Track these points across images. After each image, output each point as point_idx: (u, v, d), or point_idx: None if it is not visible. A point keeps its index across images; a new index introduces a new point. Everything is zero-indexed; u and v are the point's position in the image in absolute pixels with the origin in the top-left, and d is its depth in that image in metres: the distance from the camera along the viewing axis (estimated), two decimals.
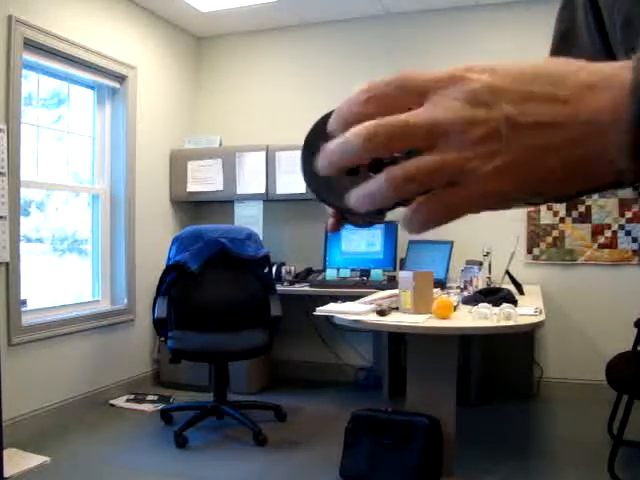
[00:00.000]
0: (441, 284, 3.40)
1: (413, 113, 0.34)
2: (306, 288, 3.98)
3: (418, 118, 0.34)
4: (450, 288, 3.41)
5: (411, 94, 0.35)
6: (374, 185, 0.34)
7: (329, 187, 0.39)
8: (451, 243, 3.70)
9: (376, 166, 0.37)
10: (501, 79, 0.34)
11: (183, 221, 4.63)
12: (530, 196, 0.37)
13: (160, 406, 3.69)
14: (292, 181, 4.16)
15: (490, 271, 3.63)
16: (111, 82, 3.99)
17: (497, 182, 0.34)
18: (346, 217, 0.43)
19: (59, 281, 3.84)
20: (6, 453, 2.59)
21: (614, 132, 0.32)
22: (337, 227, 0.44)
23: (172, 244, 3.56)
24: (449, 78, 0.34)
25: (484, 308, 2.34)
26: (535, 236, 4.05)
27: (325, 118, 0.39)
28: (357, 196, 0.35)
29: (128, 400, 3.87)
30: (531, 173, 0.34)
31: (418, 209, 0.35)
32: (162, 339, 3.41)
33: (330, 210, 0.44)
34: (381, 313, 2.39)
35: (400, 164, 0.34)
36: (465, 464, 2.72)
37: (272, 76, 4.57)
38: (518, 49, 4.03)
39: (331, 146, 0.35)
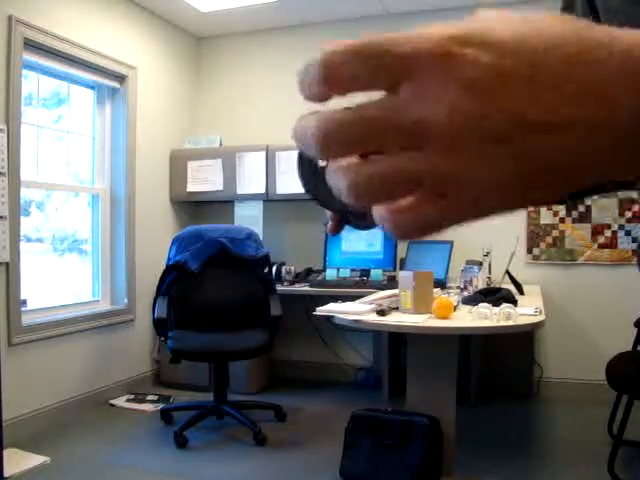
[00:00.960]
0: (441, 284, 3.40)
1: (385, 106, 0.26)
2: (306, 288, 3.98)
3: (394, 113, 0.26)
4: (450, 288, 3.41)
5: (382, 75, 0.26)
6: (341, 187, 0.28)
7: (328, 193, 0.39)
8: (451, 243, 3.70)
9: None
10: (507, 59, 0.25)
11: (183, 221, 4.63)
12: (522, 207, 0.29)
13: (160, 406, 3.69)
14: (292, 181, 4.16)
15: (490, 271, 3.63)
16: (111, 82, 3.99)
17: (497, 196, 0.27)
18: (347, 220, 0.43)
19: (59, 281, 3.84)
20: (6, 453, 2.59)
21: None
22: (337, 229, 0.44)
23: (172, 244, 3.56)
24: (438, 57, 0.25)
25: (484, 308, 2.34)
26: (535, 236, 4.05)
27: None
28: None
29: (128, 400, 3.87)
30: (533, 182, 0.27)
31: (391, 218, 0.28)
32: (162, 339, 3.41)
33: (330, 213, 0.44)
34: (381, 313, 2.39)
35: (368, 165, 0.27)
36: (465, 464, 2.72)
37: (272, 76, 4.57)
38: None
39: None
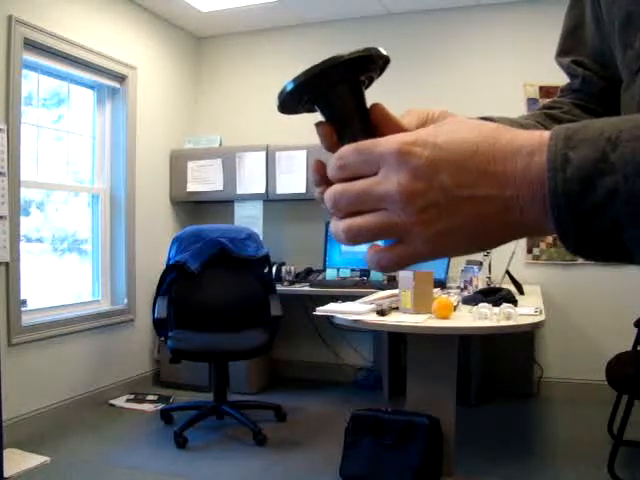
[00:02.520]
0: (441, 284, 3.40)
1: (370, 181, 0.40)
2: (306, 288, 3.98)
3: (374, 187, 0.40)
4: (450, 288, 3.41)
5: (369, 164, 0.40)
6: (337, 229, 0.42)
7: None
8: None
9: None
10: (442, 153, 0.38)
11: (183, 221, 4.63)
12: (470, 251, 0.42)
13: (160, 406, 3.69)
14: (292, 181, 4.17)
15: (490, 271, 3.63)
16: (111, 82, 3.99)
17: (437, 243, 0.40)
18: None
19: (59, 281, 3.84)
20: (6, 453, 2.59)
21: (535, 204, 0.37)
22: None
23: (172, 244, 3.56)
24: (398, 153, 0.39)
25: (484, 308, 2.34)
26: (535, 236, 4.05)
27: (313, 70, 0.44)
28: (331, 231, 0.43)
29: (128, 400, 3.87)
30: (467, 236, 0.40)
31: (375, 254, 0.42)
32: (162, 339, 3.41)
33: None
34: (381, 313, 2.39)
35: (356, 218, 0.41)
36: (465, 464, 2.72)
37: (272, 76, 4.57)
38: (518, 49, 4.04)
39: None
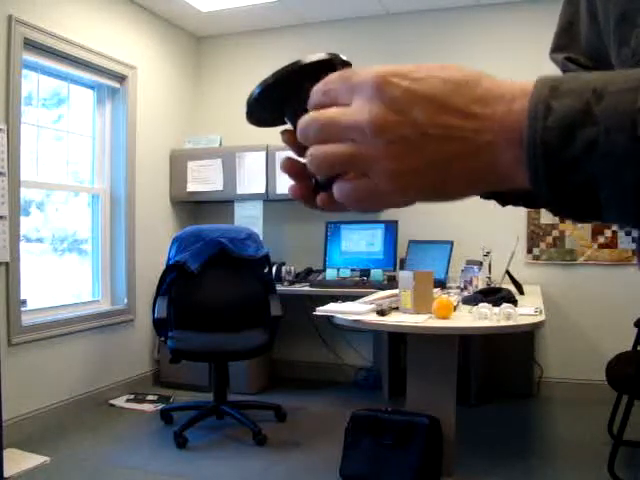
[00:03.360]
0: (441, 284, 3.40)
1: (339, 110, 0.39)
2: (306, 288, 3.98)
3: (342, 116, 0.39)
4: (450, 288, 3.41)
5: (347, 92, 0.39)
6: (307, 155, 0.41)
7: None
8: (451, 243, 3.70)
9: None
10: (421, 87, 0.37)
11: (183, 221, 4.63)
12: (434, 197, 0.40)
13: (160, 406, 3.69)
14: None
15: (490, 271, 3.63)
16: (111, 82, 3.99)
17: (400, 182, 0.38)
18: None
19: (59, 281, 3.84)
20: (6, 453, 2.59)
21: (510, 151, 0.36)
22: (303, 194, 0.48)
23: (172, 244, 3.56)
24: (376, 80, 0.37)
25: (484, 308, 2.34)
26: (535, 236, 4.05)
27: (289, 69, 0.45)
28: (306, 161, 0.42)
29: (128, 400, 3.87)
30: (433, 177, 0.38)
31: (337, 187, 0.41)
32: (162, 339, 3.41)
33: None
34: (381, 313, 2.39)
35: (322, 145, 0.40)
36: (465, 464, 2.72)
37: None
38: (518, 49, 4.04)
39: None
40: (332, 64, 0.46)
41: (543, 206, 0.37)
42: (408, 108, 0.37)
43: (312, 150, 0.40)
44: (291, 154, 0.44)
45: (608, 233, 3.91)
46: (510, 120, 0.35)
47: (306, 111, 0.43)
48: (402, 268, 3.78)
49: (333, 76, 0.41)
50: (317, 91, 0.41)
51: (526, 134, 0.35)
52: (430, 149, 0.37)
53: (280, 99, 0.46)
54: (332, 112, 0.39)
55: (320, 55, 0.45)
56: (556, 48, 0.75)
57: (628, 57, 0.55)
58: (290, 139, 0.46)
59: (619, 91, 0.33)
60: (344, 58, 0.47)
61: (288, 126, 0.48)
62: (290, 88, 0.45)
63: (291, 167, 0.45)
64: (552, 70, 0.78)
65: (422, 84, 0.37)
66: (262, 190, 4.29)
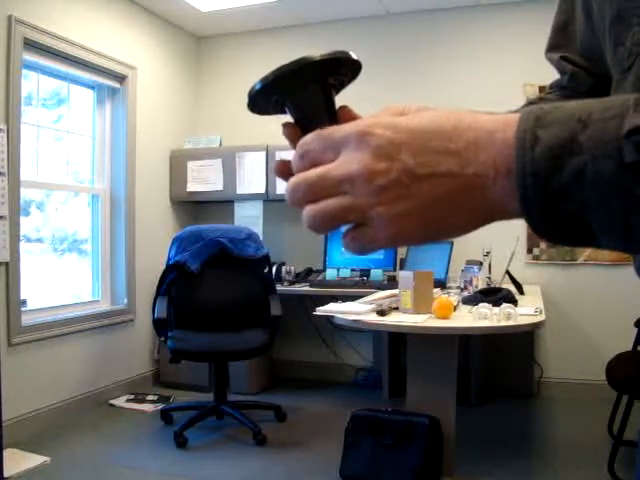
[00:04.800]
0: (441, 284, 3.40)
1: (327, 167, 0.40)
2: (306, 288, 3.98)
3: (331, 171, 0.39)
4: (450, 288, 3.41)
5: (329, 150, 0.40)
6: (304, 216, 0.41)
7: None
8: (451, 243, 3.70)
9: None
10: (402, 134, 0.38)
11: (183, 221, 4.63)
12: (433, 236, 0.40)
13: (160, 406, 3.69)
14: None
15: (490, 271, 3.63)
16: (111, 82, 3.99)
17: (399, 226, 0.39)
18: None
19: (59, 281, 3.84)
20: (6, 453, 2.59)
21: (499, 182, 0.36)
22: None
23: (172, 244, 3.56)
24: (358, 133, 0.39)
25: (484, 308, 2.34)
26: (535, 236, 4.03)
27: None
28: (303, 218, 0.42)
29: (128, 400, 3.87)
30: (429, 217, 0.39)
31: (343, 238, 0.41)
32: (162, 339, 3.41)
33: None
34: (381, 313, 2.39)
35: (316, 205, 0.40)
36: (465, 464, 2.72)
37: None
38: (518, 49, 4.03)
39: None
40: (339, 61, 0.45)
41: (536, 233, 0.38)
42: (394, 154, 0.38)
43: (307, 211, 0.40)
44: (290, 154, 0.44)
45: None
46: (494, 151, 0.36)
47: (309, 107, 0.43)
48: (402, 268, 3.78)
49: (309, 137, 0.41)
50: (295, 157, 0.42)
51: (515, 165, 0.35)
52: (421, 190, 0.37)
53: (282, 94, 0.46)
54: (319, 169, 0.40)
55: (329, 53, 0.45)
56: (552, 47, 0.75)
57: (624, 57, 0.54)
58: (291, 133, 0.46)
59: (603, 119, 0.34)
60: (354, 57, 0.46)
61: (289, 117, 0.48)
62: (292, 84, 0.45)
63: (284, 169, 0.45)
64: (552, 70, 0.78)
65: (403, 132, 0.38)
66: (262, 190, 4.29)
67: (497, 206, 0.38)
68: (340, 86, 0.48)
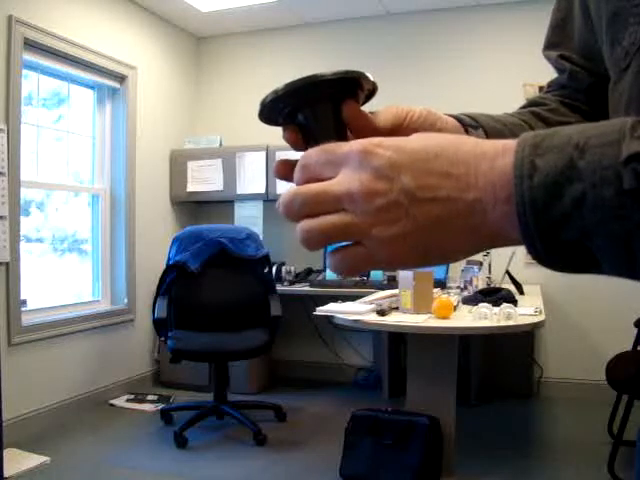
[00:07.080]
0: (441, 284, 3.40)
1: (328, 182, 0.40)
2: (306, 288, 3.98)
3: (332, 187, 0.39)
4: (450, 288, 3.41)
5: (331, 165, 0.40)
6: (299, 231, 0.41)
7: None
8: None
9: None
10: (404, 156, 0.38)
11: (183, 221, 4.63)
12: (431, 259, 0.40)
13: (160, 406, 3.69)
14: (292, 181, 4.16)
15: (490, 271, 3.63)
16: (111, 82, 3.99)
17: (396, 246, 0.38)
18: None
19: (59, 281, 3.84)
20: (6, 453, 2.59)
21: (499, 208, 0.36)
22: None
23: (172, 244, 3.56)
24: (360, 152, 0.39)
25: (484, 308, 2.34)
26: None
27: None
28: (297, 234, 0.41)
29: (128, 400, 3.87)
30: (427, 240, 0.38)
31: (332, 256, 0.41)
32: (162, 339, 3.41)
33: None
34: (381, 313, 2.39)
35: (313, 220, 0.40)
36: (465, 464, 2.72)
37: (272, 76, 4.57)
38: (518, 49, 4.03)
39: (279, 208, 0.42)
40: (354, 81, 0.45)
41: (538, 261, 0.37)
42: (394, 175, 0.38)
43: (302, 225, 0.40)
44: (290, 154, 0.44)
45: None
46: (493, 176, 0.36)
47: (318, 124, 0.44)
48: None
49: (313, 150, 0.41)
50: (297, 168, 0.42)
51: (514, 192, 0.35)
52: (420, 212, 0.38)
53: (293, 108, 0.46)
54: (321, 184, 0.40)
55: (338, 71, 0.44)
56: (549, 45, 0.74)
57: (621, 57, 0.54)
58: (291, 137, 0.46)
59: (601, 145, 0.34)
60: (370, 77, 0.46)
61: None
62: (302, 100, 0.45)
63: (284, 169, 0.45)
64: (552, 70, 0.78)
65: (405, 154, 0.38)
66: (262, 190, 4.29)
67: (497, 232, 0.38)
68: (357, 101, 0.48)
